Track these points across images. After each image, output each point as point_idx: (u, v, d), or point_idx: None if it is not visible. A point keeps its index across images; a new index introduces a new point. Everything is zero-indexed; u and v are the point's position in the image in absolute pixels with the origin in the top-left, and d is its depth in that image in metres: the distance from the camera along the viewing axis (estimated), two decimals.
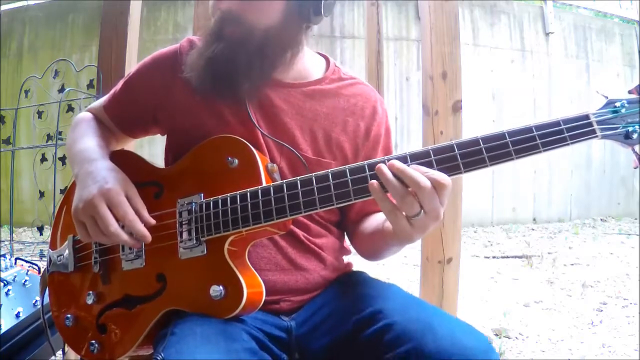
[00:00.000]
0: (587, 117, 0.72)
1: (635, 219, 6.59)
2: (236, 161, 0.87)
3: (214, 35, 0.92)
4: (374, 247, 0.98)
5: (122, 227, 0.85)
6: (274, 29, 0.91)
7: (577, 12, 7.42)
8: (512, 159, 0.73)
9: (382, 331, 0.78)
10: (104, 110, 1.08)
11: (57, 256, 1.00)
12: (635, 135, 0.71)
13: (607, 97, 0.73)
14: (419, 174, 0.72)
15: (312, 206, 0.79)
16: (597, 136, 0.71)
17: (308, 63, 1.03)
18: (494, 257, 4.39)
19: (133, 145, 1.40)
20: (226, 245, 0.84)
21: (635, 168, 0.75)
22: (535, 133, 0.72)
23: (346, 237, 1.09)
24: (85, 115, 1.10)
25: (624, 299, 3.01)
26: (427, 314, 0.80)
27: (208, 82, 0.93)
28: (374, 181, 0.74)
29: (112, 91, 1.08)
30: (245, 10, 0.90)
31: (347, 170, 0.78)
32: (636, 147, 0.73)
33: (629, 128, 0.71)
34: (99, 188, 0.85)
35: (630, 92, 0.73)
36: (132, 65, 1.89)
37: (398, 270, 3.75)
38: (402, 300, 0.86)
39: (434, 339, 0.73)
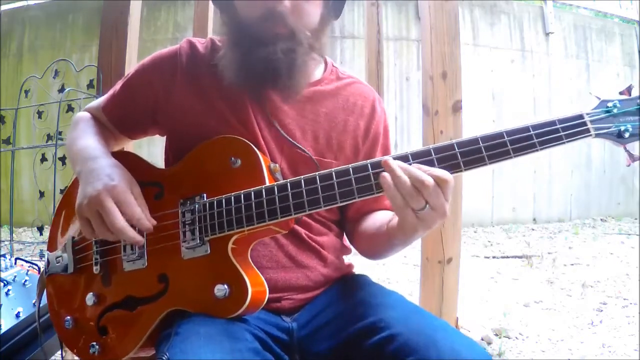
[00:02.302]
0: (581, 116, 0.75)
1: (635, 219, 6.59)
2: (239, 161, 0.87)
3: (256, 36, 0.89)
4: (376, 246, 0.98)
5: None
6: (314, 32, 0.93)
7: (577, 12, 7.42)
8: (510, 157, 0.75)
9: (385, 342, 0.78)
10: (103, 111, 1.07)
11: (56, 258, 0.99)
12: (627, 134, 0.75)
13: (599, 98, 0.77)
14: (422, 172, 0.73)
15: (316, 204, 0.80)
16: (590, 135, 0.75)
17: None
18: (494, 257, 4.39)
19: (132, 145, 1.40)
20: (230, 245, 0.84)
21: (627, 166, 0.79)
22: (532, 132, 0.75)
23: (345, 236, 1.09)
24: (83, 115, 1.10)
25: (624, 299, 3.01)
26: (429, 325, 0.80)
27: (247, 80, 0.91)
28: (386, 174, 0.75)
29: (110, 92, 1.08)
30: (293, 12, 0.89)
31: (351, 169, 0.79)
32: (628, 146, 0.76)
33: (621, 127, 0.75)
34: (104, 185, 0.85)
35: (621, 93, 0.77)
36: (132, 65, 1.89)
37: (398, 270, 3.75)
38: (405, 310, 0.86)
39: (437, 352, 0.74)
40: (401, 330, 0.78)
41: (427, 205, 0.74)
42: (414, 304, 0.90)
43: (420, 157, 0.77)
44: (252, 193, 0.83)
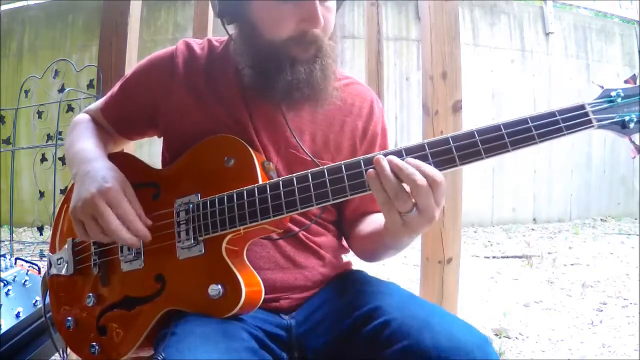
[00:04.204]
0: (582, 107, 0.71)
1: (635, 219, 6.59)
2: (233, 160, 0.88)
3: (283, 57, 0.89)
4: (371, 247, 0.98)
5: None
6: (331, 37, 0.93)
7: (577, 12, 7.42)
8: (508, 151, 0.72)
9: (381, 327, 0.78)
10: (101, 112, 1.08)
11: (57, 259, 1.00)
12: (632, 125, 0.70)
13: (602, 87, 0.72)
14: (416, 171, 0.71)
15: (308, 202, 0.79)
16: (592, 126, 0.70)
17: None
18: (494, 257, 4.39)
19: (133, 145, 1.40)
20: (224, 244, 0.84)
21: (633, 158, 0.74)
22: (530, 124, 0.71)
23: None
24: (82, 117, 1.11)
25: (624, 299, 3.01)
26: (425, 311, 0.80)
27: (278, 100, 0.93)
28: (372, 170, 0.74)
29: (109, 94, 1.09)
30: (322, 29, 0.89)
31: (343, 166, 0.78)
32: (634, 137, 0.72)
33: (625, 117, 0.70)
34: (98, 187, 0.85)
35: (626, 82, 0.72)
36: (132, 65, 1.89)
37: (398, 270, 3.76)
38: (401, 297, 0.86)
39: (432, 335, 0.73)
40: (396, 315, 0.78)
41: (415, 208, 0.72)
42: (410, 292, 0.90)
43: (414, 152, 0.75)
44: (245, 192, 0.83)
